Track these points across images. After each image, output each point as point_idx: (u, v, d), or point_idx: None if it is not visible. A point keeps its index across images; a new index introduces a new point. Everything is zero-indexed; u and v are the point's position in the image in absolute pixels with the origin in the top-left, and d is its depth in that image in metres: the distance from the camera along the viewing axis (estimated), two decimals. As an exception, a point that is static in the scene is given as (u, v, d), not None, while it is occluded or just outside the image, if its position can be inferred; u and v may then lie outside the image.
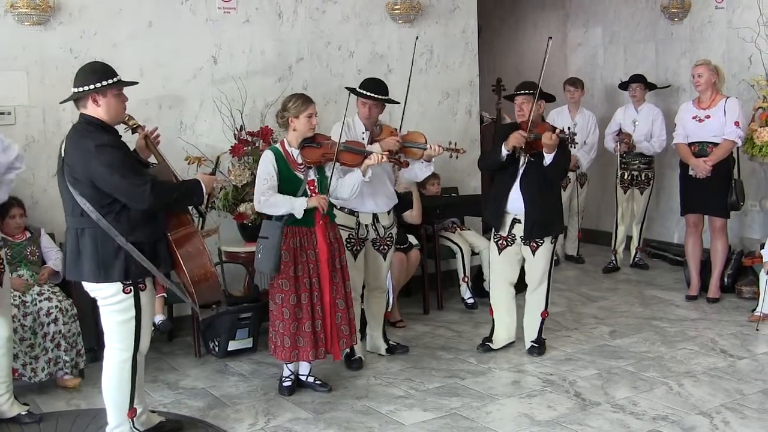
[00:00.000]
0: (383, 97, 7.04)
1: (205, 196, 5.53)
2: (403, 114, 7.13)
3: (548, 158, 7.00)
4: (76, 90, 5.30)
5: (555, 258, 10.80)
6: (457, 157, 7.28)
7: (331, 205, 6.62)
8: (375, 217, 7.16)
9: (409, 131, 7.14)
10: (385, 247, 7.27)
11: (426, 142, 6.98)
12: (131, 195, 5.10)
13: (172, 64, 8.09)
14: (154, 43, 7.98)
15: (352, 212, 7.10)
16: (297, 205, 6.28)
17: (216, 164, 5.95)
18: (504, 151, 7.09)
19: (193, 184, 5.50)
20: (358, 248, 7.18)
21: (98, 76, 5.30)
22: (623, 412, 6.09)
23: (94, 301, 5.44)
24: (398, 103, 7.20)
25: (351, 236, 7.12)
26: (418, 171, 7.15)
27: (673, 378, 6.76)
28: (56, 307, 6.69)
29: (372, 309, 7.50)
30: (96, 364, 6.75)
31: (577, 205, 11.05)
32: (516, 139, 7.01)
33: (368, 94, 6.99)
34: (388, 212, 7.27)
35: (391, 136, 7.03)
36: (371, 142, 7.01)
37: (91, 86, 5.24)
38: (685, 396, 6.38)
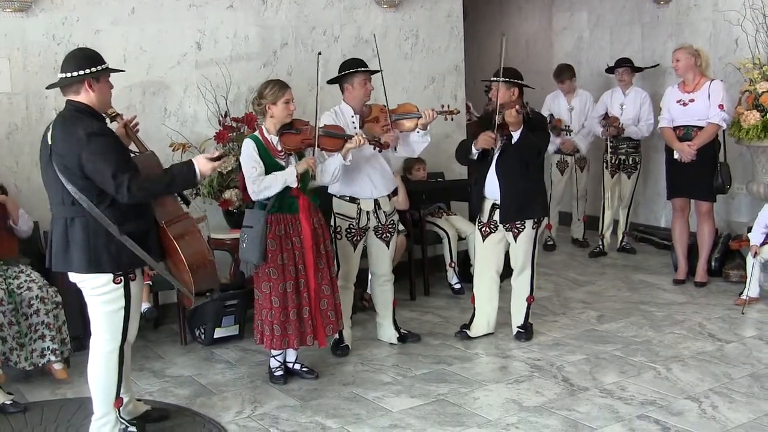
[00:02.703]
0: (372, 70, 7.08)
1: (199, 180, 5.33)
2: (384, 88, 7.07)
3: (515, 135, 6.98)
4: (68, 75, 5.20)
5: (551, 243, 10.89)
6: (452, 119, 7.32)
7: (313, 191, 6.59)
8: (376, 203, 7.12)
9: (398, 104, 7.11)
10: (388, 234, 7.23)
11: (418, 111, 6.97)
12: (112, 187, 5.01)
13: (156, 50, 8.03)
14: (138, 29, 7.92)
15: (353, 200, 7.07)
16: (289, 177, 6.26)
17: (221, 153, 5.68)
18: (474, 150, 7.12)
19: (184, 170, 5.26)
20: (359, 238, 7.15)
21: (92, 61, 5.25)
22: (611, 397, 6.09)
23: (79, 288, 5.38)
24: (379, 71, 7.13)
25: (351, 226, 7.09)
26: (415, 144, 7.12)
27: (661, 362, 6.76)
28: (37, 296, 6.61)
29: (378, 298, 7.47)
30: (81, 352, 6.69)
31: (577, 189, 11.04)
32: (485, 141, 7.00)
33: (365, 69, 7.04)
34: (389, 197, 7.23)
35: (381, 113, 6.99)
36: (362, 123, 6.99)
37: (87, 71, 5.18)
38: (673, 380, 6.38)
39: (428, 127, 7.01)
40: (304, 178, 6.39)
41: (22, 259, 6.94)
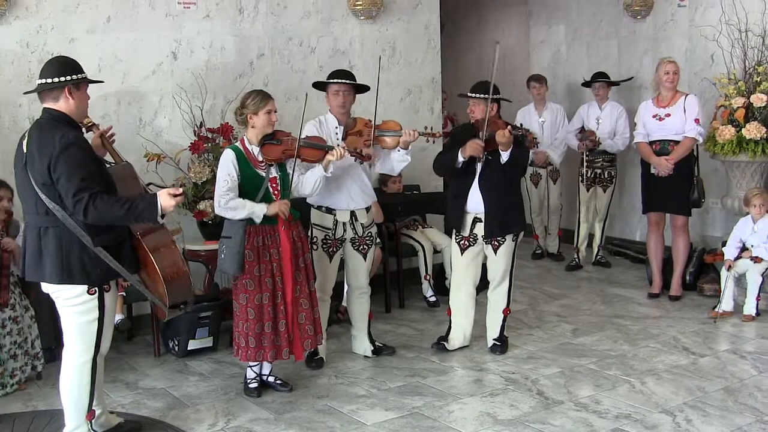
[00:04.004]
0: (353, 82, 7.07)
1: (159, 217, 5.16)
2: (376, 104, 7.05)
3: (504, 156, 6.98)
4: (48, 81, 5.17)
5: (539, 252, 10.93)
6: (434, 142, 7.33)
7: (293, 204, 6.57)
8: (353, 214, 7.10)
9: (383, 120, 7.09)
10: (365, 246, 7.20)
11: (401, 129, 6.95)
12: (70, 204, 4.96)
13: (131, 60, 7.99)
14: (113, 38, 7.87)
15: (329, 210, 7.04)
16: (257, 211, 6.22)
17: (183, 191, 5.63)
18: (460, 158, 7.09)
19: (148, 202, 5.11)
20: (335, 249, 7.11)
21: (73, 68, 5.25)
22: (586, 411, 6.08)
23: (52, 300, 5.33)
24: (368, 88, 7.17)
25: (327, 237, 7.06)
26: (395, 162, 7.10)
27: (635, 376, 6.76)
28: (9, 318, 6.57)
29: (355, 310, 7.44)
30: (54, 363, 6.67)
31: (548, 202, 11.07)
32: (473, 149, 6.99)
33: (338, 81, 7.02)
34: (367, 210, 7.20)
35: (365, 127, 6.98)
36: (345, 135, 6.97)
37: (68, 77, 5.16)
38: (647, 394, 6.38)
39: (410, 147, 7.00)
40: (284, 189, 6.38)
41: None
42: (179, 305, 5.59)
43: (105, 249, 5.14)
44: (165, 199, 5.11)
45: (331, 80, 7.04)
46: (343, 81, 7.02)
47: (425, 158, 8.71)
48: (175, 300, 5.49)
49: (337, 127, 7.00)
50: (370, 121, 7.06)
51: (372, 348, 7.42)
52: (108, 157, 5.58)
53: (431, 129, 7.11)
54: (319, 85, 7.15)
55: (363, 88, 7.19)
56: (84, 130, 5.51)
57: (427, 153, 8.65)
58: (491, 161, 7.07)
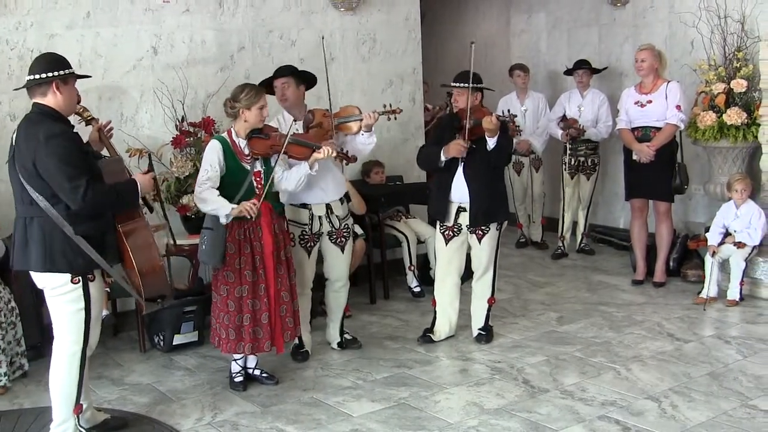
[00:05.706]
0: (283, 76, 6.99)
1: (140, 198, 5.52)
2: (329, 92, 7.02)
3: (491, 142, 6.98)
4: (36, 76, 5.25)
5: (523, 240, 10.94)
6: (396, 118, 7.27)
7: (277, 196, 6.56)
8: (328, 207, 7.06)
9: (340, 107, 7.07)
10: (342, 239, 7.17)
11: (360, 113, 6.96)
12: (65, 193, 5.09)
13: (112, 55, 7.95)
14: (93, 33, 7.84)
15: (304, 205, 7.01)
16: (221, 209, 6.18)
17: (150, 162, 5.85)
18: (442, 158, 7.10)
19: (129, 187, 5.43)
20: (312, 244, 7.08)
21: (60, 64, 5.35)
22: (572, 398, 6.10)
23: (37, 295, 5.36)
24: (311, 75, 7.10)
25: (304, 232, 7.02)
26: (362, 145, 7.06)
27: (620, 363, 6.78)
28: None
29: (331, 303, 7.40)
30: (39, 361, 6.65)
31: (532, 191, 11.07)
32: (456, 150, 7.00)
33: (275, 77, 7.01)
34: (341, 201, 7.18)
35: (324, 118, 6.96)
36: (306, 130, 6.93)
37: (56, 73, 5.26)
38: (633, 381, 6.40)
39: (372, 128, 6.99)
40: (267, 183, 6.36)
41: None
42: (156, 299, 5.66)
43: (87, 239, 5.22)
44: (140, 179, 5.51)
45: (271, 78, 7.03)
46: (279, 76, 6.99)
47: (408, 149, 8.74)
48: (151, 294, 5.57)
49: (295, 123, 6.89)
50: (328, 110, 7.02)
51: (339, 340, 7.42)
52: (105, 152, 5.67)
53: (389, 105, 7.10)
54: (270, 91, 7.00)
55: (306, 79, 7.09)
56: (84, 123, 5.68)
57: (409, 143, 8.67)
58: (475, 150, 7.06)
